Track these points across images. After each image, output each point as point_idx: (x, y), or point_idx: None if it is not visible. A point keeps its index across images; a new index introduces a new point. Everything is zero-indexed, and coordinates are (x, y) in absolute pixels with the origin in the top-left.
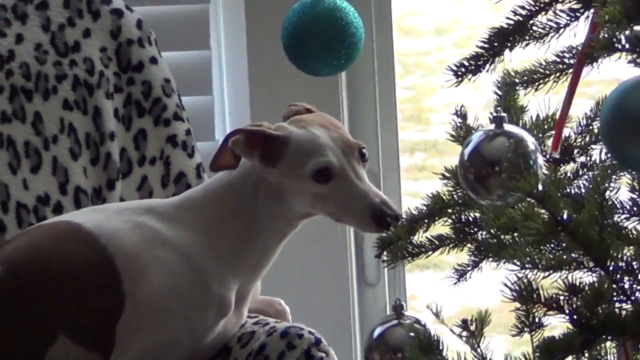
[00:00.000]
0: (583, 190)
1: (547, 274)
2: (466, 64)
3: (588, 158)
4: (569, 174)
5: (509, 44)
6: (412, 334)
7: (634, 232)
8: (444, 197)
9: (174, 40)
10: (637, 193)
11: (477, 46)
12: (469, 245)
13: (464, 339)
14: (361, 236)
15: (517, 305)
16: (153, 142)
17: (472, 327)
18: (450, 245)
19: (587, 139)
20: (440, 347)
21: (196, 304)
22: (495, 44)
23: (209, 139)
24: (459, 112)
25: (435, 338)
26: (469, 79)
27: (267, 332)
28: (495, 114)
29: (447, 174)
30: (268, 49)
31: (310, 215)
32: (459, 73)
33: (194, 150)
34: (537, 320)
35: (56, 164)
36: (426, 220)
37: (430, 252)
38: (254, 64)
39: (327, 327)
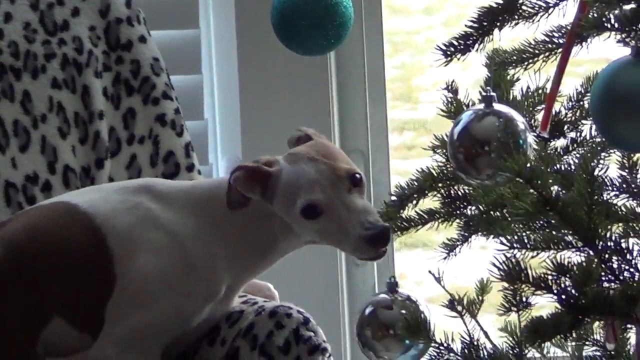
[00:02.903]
0: (573, 167)
1: (535, 253)
2: (455, 43)
3: (578, 134)
4: (559, 150)
5: (498, 24)
6: (403, 311)
7: (623, 209)
8: (434, 173)
9: (163, 19)
10: (626, 170)
11: (466, 26)
12: (458, 220)
13: (459, 308)
14: None
15: (505, 285)
16: (142, 121)
17: (469, 299)
18: (440, 220)
19: (578, 114)
20: (429, 328)
21: (184, 289)
22: (485, 24)
23: (197, 118)
24: (449, 87)
25: (423, 318)
26: (458, 59)
27: (255, 311)
28: (484, 94)
29: (437, 143)
30: (257, 27)
31: (317, 243)
32: (448, 52)
33: (183, 129)
34: (525, 299)
35: (45, 143)
36: (415, 196)
37: (419, 227)
38: (243, 42)
39: (315, 306)
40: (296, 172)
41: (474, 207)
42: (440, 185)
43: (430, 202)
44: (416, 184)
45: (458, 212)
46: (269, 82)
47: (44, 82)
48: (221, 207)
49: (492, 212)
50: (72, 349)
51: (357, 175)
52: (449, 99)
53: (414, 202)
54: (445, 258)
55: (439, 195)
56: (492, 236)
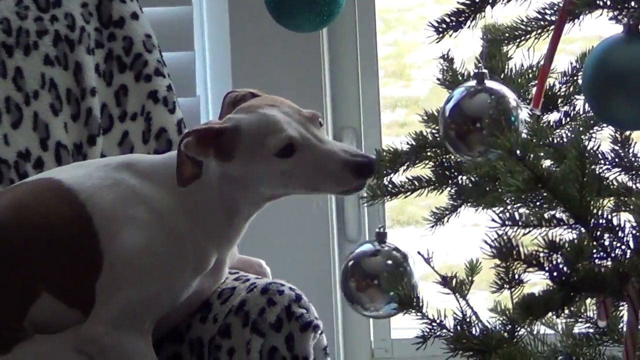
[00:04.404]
0: (565, 140)
1: (527, 230)
2: (447, 20)
3: (572, 108)
4: (552, 124)
5: (490, 0)
6: (389, 262)
7: (615, 183)
8: (428, 137)
9: None
10: (619, 144)
11: (458, 2)
12: (448, 189)
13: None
14: None
15: (497, 262)
16: (134, 98)
17: (460, 278)
18: (430, 187)
19: (572, 89)
20: (421, 304)
21: (170, 262)
22: (477, 0)
23: (190, 95)
24: (445, 57)
25: (416, 295)
26: (450, 35)
27: (247, 288)
28: (476, 70)
29: (425, 117)
30: (249, 4)
31: (275, 197)
32: (440, 29)
33: (175, 106)
34: (516, 277)
35: (37, 120)
36: (406, 158)
37: (409, 193)
38: (235, 19)
39: (308, 283)
40: (260, 118)
41: (465, 177)
42: (431, 153)
43: (421, 170)
44: (409, 146)
45: (449, 181)
46: (262, 59)
47: (36, 59)
48: (204, 188)
49: (484, 185)
50: (63, 325)
51: (320, 120)
52: (445, 68)
53: (407, 164)
54: (432, 227)
55: (430, 163)
56: (482, 207)
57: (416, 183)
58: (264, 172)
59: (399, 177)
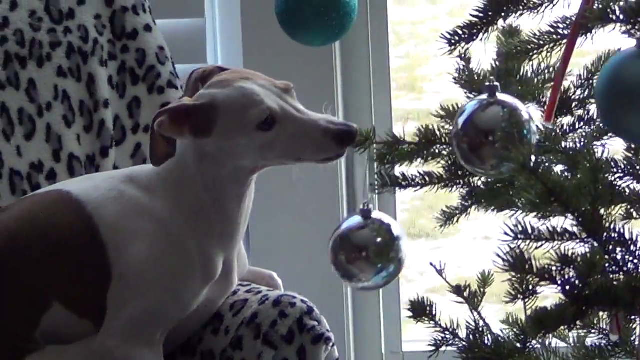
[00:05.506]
0: (578, 146)
1: (539, 244)
2: (460, 32)
3: (586, 112)
4: (565, 127)
5: (503, 14)
6: (378, 240)
7: (627, 190)
8: (437, 132)
9: (169, 8)
10: (632, 152)
11: (471, 15)
12: (460, 189)
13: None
14: (354, 197)
15: (510, 276)
16: (147, 110)
17: (473, 288)
18: (441, 185)
19: (587, 92)
20: (434, 313)
21: (177, 271)
22: (490, 13)
23: None
24: (462, 56)
25: (429, 303)
26: (462, 47)
27: (259, 300)
28: (488, 83)
29: (442, 112)
30: (262, 17)
31: (258, 170)
32: (453, 41)
33: None
34: (530, 287)
35: (50, 131)
36: (419, 151)
37: (418, 187)
38: (248, 32)
39: (319, 295)
40: (237, 91)
41: (477, 178)
42: (442, 150)
43: (433, 167)
44: (418, 138)
45: (460, 180)
46: (274, 72)
47: (49, 71)
48: (178, 179)
49: (496, 186)
50: (74, 336)
51: (293, 91)
52: (461, 67)
53: (415, 159)
54: (442, 226)
55: (441, 161)
56: (493, 209)
57: (427, 178)
58: (244, 145)
59: (410, 170)
